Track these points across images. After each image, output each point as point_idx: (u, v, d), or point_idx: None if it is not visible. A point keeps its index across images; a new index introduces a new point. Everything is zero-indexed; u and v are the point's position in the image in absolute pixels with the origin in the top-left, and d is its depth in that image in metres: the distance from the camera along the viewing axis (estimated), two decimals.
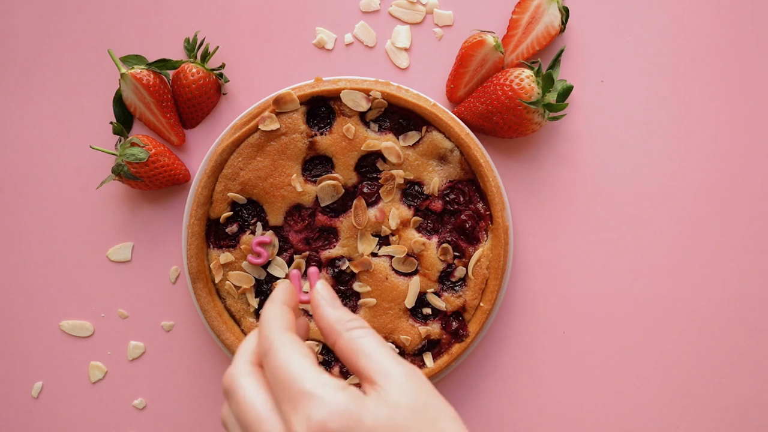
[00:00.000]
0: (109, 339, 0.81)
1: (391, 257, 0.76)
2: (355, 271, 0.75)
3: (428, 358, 0.75)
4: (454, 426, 0.47)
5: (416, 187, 0.76)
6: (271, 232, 0.76)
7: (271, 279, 0.76)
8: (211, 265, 0.76)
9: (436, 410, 0.47)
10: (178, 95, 0.78)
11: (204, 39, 0.79)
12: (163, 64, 0.77)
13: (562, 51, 0.75)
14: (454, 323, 0.75)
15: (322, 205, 0.76)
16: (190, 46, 0.78)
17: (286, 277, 0.76)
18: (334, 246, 0.76)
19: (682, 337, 0.79)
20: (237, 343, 0.75)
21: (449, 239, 0.76)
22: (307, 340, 0.76)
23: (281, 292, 0.54)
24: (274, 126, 0.74)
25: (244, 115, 0.76)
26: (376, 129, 0.76)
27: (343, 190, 0.76)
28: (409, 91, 0.76)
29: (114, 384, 0.81)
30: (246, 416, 0.46)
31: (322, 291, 0.53)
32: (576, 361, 0.79)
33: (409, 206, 0.76)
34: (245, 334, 0.77)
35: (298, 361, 0.47)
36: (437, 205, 0.76)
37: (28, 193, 0.81)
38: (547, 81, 0.73)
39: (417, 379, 0.48)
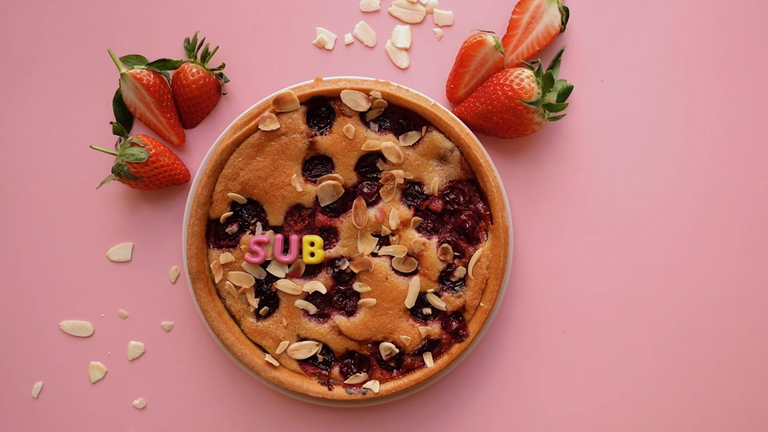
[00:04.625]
0: (109, 339, 0.81)
1: (391, 257, 0.75)
2: (355, 271, 0.75)
3: (428, 358, 0.75)
4: None
5: (416, 187, 0.76)
6: (271, 231, 0.76)
7: (271, 279, 0.76)
8: (211, 265, 0.76)
9: None
10: (178, 95, 0.78)
11: (204, 39, 0.79)
12: (163, 64, 0.77)
13: (562, 51, 0.75)
14: (454, 323, 0.75)
15: (322, 205, 0.76)
16: (190, 46, 0.78)
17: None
18: (334, 246, 0.76)
19: (682, 337, 0.79)
20: (237, 344, 0.75)
21: (449, 239, 0.76)
22: (307, 340, 0.76)
23: None
24: (274, 126, 0.74)
25: (244, 115, 0.76)
26: (376, 129, 0.76)
27: (343, 190, 0.75)
28: (409, 91, 0.76)
29: (114, 384, 0.81)
30: None
31: None
32: (576, 361, 0.79)
33: (409, 206, 0.76)
34: (245, 334, 0.77)
35: None
36: (437, 205, 0.76)
37: (28, 193, 0.81)
38: (547, 81, 0.73)
39: None
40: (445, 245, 0.75)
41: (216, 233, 0.77)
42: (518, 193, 0.80)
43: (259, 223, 0.76)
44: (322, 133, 0.75)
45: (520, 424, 0.79)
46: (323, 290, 0.76)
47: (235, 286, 0.76)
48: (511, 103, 0.73)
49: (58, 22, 0.81)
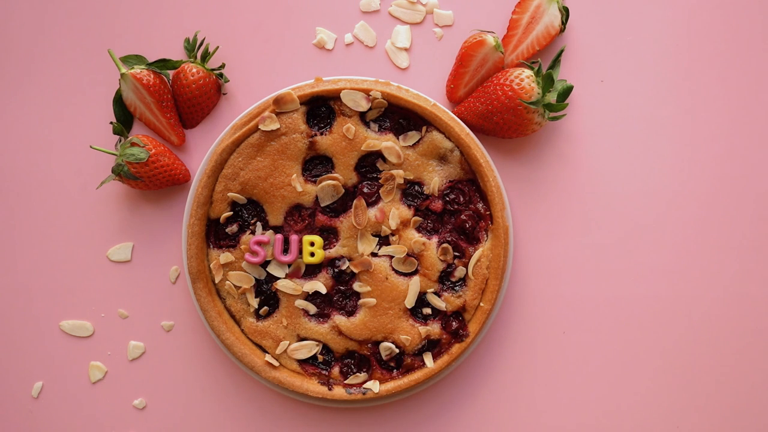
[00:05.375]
0: (109, 339, 0.81)
1: (391, 257, 0.75)
2: (355, 271, 0.75)
3: (428, 358, 0.75)
4: None
5: (416, 187, 0.76)
6: (271, 231, 0.76)
7: (271, 279, 0.76)
8: (211, 265, 0.76)
9: None
10: (178, 95, 0.78)
11: (204, 39, 0.79)
12: (163, 64, 0.77)
13: (562, 51, 0.75)
14: (454, 323, 0.75)
15: (322, 205, 0.76)
16: (190, 46, 0.78)
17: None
18: (334, 246, 0.76)
19: (682, 337, 0.79)
20: (237, 344, 0.75)
21: (449, 239, 0.76)
22: (307, 340, 0.76)
23: None
24: (274, 126, 0.74)
25: (244, 115, 0.76)
26: (376, 129, 0.76)
27: (343, 190, 0.75)
28: (409, 91, 0.76)
29: (114, 384, 0.81)
30: None
31: None
32: (576, 362, 0.79)
33: (409, 206, 0.76)
34: (245, 334, 0.77)
35: None
36: (437, 205, 0.76)
37: (28, 193, 0.81)
38: (547, 81, 0.73)
39: None
40: (445, 245, 0.75)
41: (216, 233, 0.77)
42: (518, 193, 0.80)
43: (259, 223, 0.76)
44: (322, 133, 0.76)
45: (520, 423, 0.79)
46: (323, 290, 0.76)
47: (235, 286, 0.76)
48: (511, 103, 0.73)
49: (58, 22, 0.81)
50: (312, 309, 0.76)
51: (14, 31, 0.81)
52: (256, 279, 0.76)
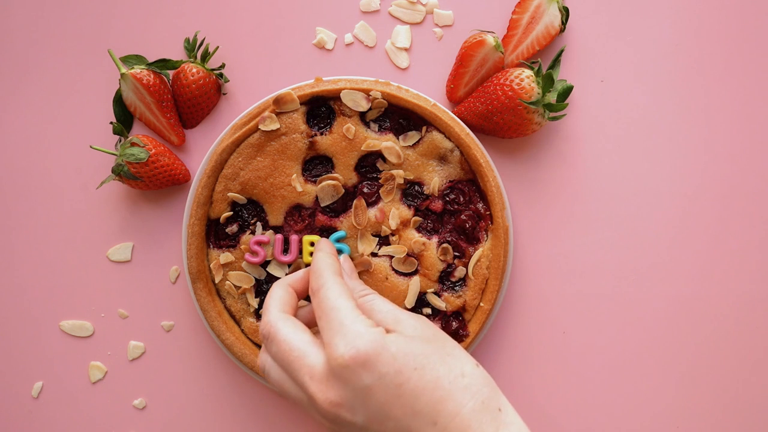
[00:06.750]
0: (109, 339, 0.81)
1: (391, 257, 0.76)
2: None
3: None
4: (459, 351, 0.58)
5: (416, 187, 0.76)
6: (271, 231, 0.76)
7: (271, 279, 0.76)
8: (211, 265, 0.76)
9: (443, 339, 0.59)
10: (178, 95, 0.78)
11: (204, 39, 0.79)
12: (163, 64, 0.77)
13: (562, 51, 0.75)
14: (454, 323, 0.75)
15: (322, 205, 0.76)
16: (190, 46, 0.78)
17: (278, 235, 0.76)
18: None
19: (682, 337, 0.79)
20: (237, 344, 0.75)
21: (449, 239, 0.76)
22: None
23: (328, 245, 0.69)
24: (274, 126, 0.74)
25: (244, 115, 0.76)
26: (376, 129, 0.76)
27: (343, 190, 0.76)
28: (409, 91, 0.76)
29: (114, 384, 0.81)
30: (288, 355, 0.56)
31: (344, 263, 0.68)
32: (576, 361, 0.79)
33: (409, 206, 0.76)
34: (245, 334, 0.77)
35: (344, 301, 0.58)
36: (437, 205, 0.76)
37: (28, 193, 0.81)
38: (547, 81, 0.73)
39: (423, 321, 0.60)
40: (445, 245, 0.75)
41: (216, 233, 0.77)
42: (518, 193, 0.80)
43: (259, 223, 0.76)
44: (322, 133, 0.76)
45: None
46: None
47: (235, 286, 0.76)
48: (511, 103, 0.73)
49: (58, 22, 0.81)
50: None
51: (13, 31, 0.81)
52: (256, 279, 0.76)
